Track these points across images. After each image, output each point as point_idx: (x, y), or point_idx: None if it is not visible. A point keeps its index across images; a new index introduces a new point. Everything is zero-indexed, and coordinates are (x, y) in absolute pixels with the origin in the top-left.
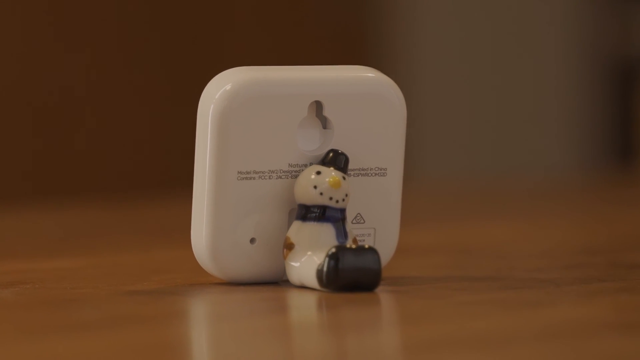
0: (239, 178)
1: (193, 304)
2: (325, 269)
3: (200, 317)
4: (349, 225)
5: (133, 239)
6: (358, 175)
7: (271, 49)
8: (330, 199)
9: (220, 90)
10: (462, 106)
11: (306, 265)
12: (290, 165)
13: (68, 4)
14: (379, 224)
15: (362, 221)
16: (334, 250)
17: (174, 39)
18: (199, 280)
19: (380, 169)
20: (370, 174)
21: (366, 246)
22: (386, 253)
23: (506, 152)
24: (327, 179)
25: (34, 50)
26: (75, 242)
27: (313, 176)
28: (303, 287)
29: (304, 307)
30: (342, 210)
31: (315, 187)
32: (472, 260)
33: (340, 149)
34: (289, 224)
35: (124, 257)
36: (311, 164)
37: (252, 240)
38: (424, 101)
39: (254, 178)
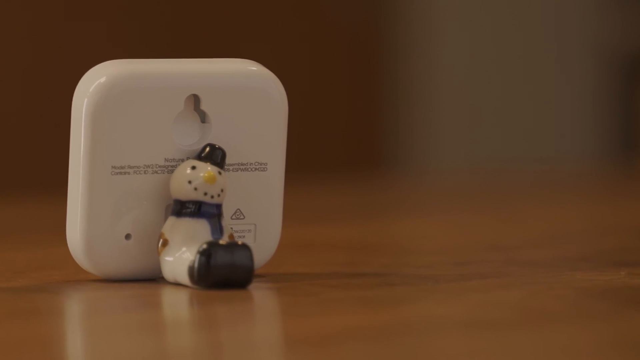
0: (113, 173)
1: (61, 301)
2: (196, 265)
3: (68, 314)
4: (226, 221)
5: (34, 236)
6: (237, 170)
7: (287, 52)
8: (205, 194)
9: (94, 83)
10: (474, 100)
11: (179, 261)
12: (166, 160)
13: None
14: (260, 219)
15: (241, 217)
16: (205, 246)
17: (186, 46)
18: (77, 277)
19: (260, 164)
20: (249, 169)
21: (239, 242)
22: (267, 249)
23: (515, 144)
24: (201, 174)
25: None
26: None
27: (188, 171)
28: (177, 284)
29: (175, 303)
30: (218, 206)
31: (189, 182)
32: (368, 256)
33: (219, 143)
34: (166, 220)
35: (12, 255)
36: (188, 158)
37: (128, 236)
38: (438, 94)
39: (128, 173)
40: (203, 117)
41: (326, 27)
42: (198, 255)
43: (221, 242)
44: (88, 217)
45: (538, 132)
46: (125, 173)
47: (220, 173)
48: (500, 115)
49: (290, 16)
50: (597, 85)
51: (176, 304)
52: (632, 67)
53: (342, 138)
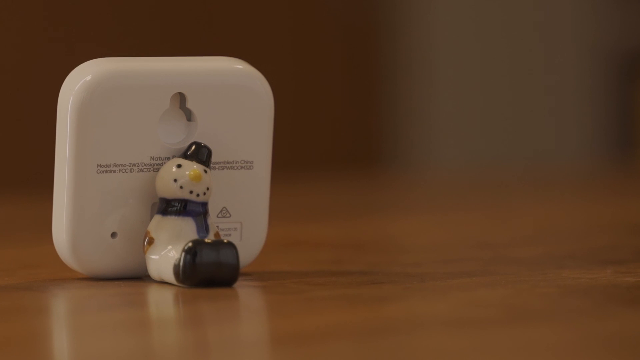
0: (98, 171)
1: (47, 299)
2: (181, 263)
3: (54, 312)
4: (212, 220)
5: (20, 235)
6: (223, 169)
7: (281, 47)
8: (191, 192)
9: (80, 81)
10: (472, 98)
11: (164, 259)
12: (152, 158)
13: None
14: (246, 218)
15: (227, 215)
16: (190, 244)
17: (172, 44)
18: (63, 275)
19: (247, 162)
20: (235, 167)
21: (225, 241)
22: (253, 247)
23: (513, 143)
24: (187, 172)
25: None
26: None
27: (174, 169)
28: (163, 282)
29: (160, 301)
30: (204, 204)
31: (175, 180)
32: (356, 255)
33: (205, 141)
34: (151, 218)
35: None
36: (174, 156)
37: (114, 235)
38: (435, 92)
39: (114, 171)
40: (189, 115)
41: (320, 22)
42: (183, 254)
43: (207, 240)
44: (74, 216)
45: (536, 131)
46: (110, 171)
47: (206, 171)
48: (498, 114)
49: (285, 10)
50: (594, 83)
51: (162, 302)
52: (630, 65)
53: (338, 136)
